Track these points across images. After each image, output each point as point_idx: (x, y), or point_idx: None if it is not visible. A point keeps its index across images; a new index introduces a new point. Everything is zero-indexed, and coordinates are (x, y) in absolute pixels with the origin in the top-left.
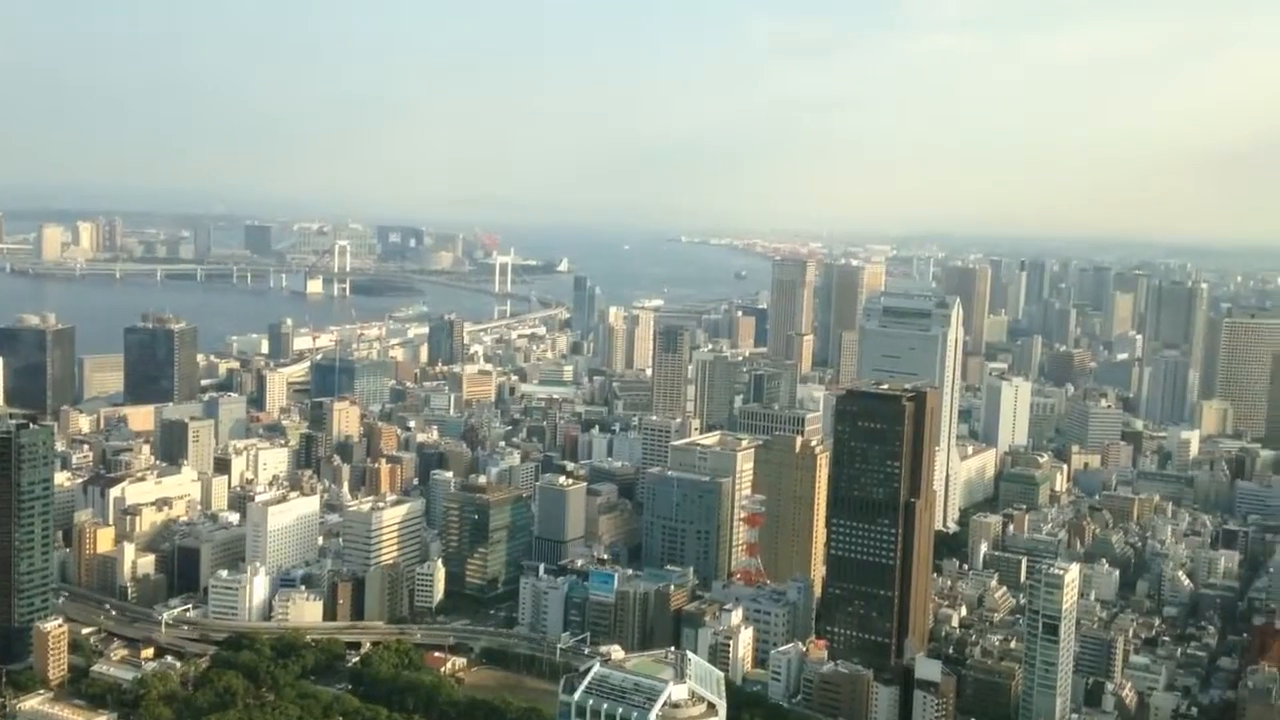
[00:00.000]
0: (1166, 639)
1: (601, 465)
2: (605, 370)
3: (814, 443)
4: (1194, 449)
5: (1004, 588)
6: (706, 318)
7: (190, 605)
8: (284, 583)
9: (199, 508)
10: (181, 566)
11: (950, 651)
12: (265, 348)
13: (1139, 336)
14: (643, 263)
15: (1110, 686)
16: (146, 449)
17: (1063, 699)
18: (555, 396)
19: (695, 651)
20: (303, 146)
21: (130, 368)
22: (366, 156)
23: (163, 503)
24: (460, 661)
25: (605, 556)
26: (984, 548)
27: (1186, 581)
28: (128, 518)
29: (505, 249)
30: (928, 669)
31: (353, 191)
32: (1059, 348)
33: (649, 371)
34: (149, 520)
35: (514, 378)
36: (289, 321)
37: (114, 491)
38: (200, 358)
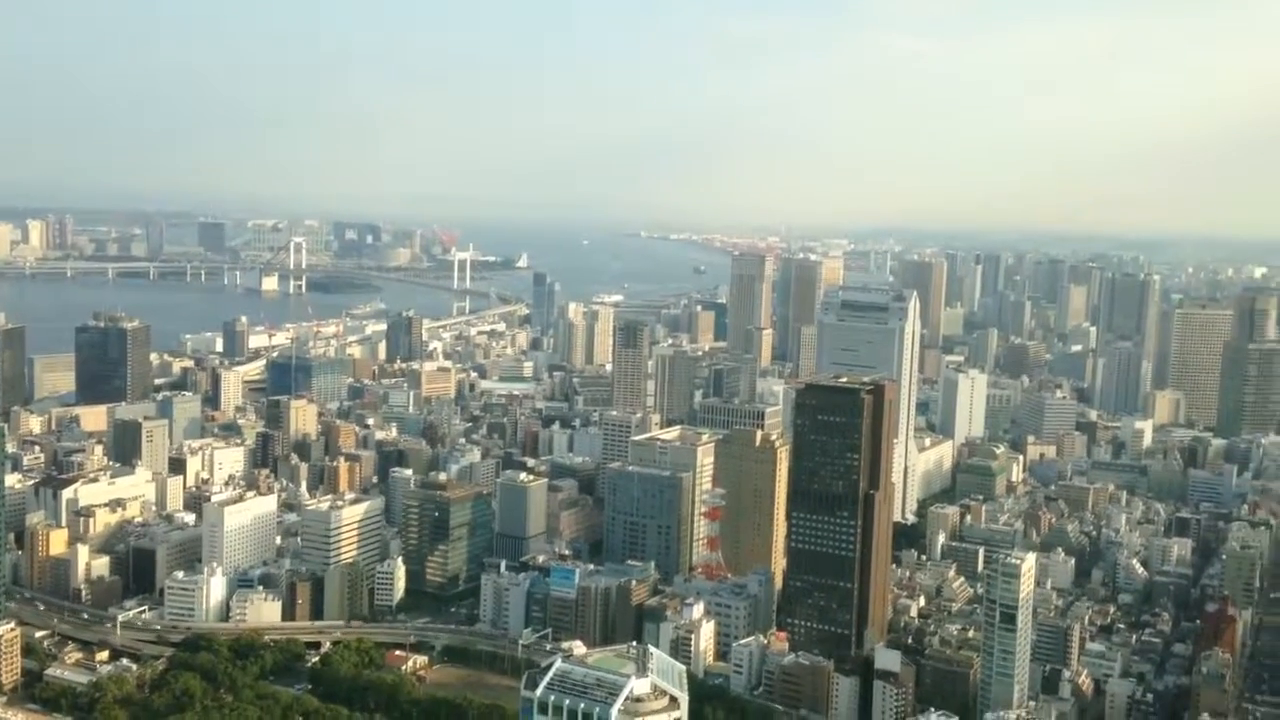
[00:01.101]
0: (1121, 626)
1: (562, 461)
2: (565, 366)
3: (774, 436)
4: (1147, 438)
5: (962, 578)
6: (666, 313)
7: (146, 607)
8: (242, 583)
9: (154, 508)
10: (136, 568)
11: (909, 641)
12: (220, 346)
13: (1092, 328)
14: (602, 258)
15: (1067, 674)
16: (99, 450)
17: (1020, 687)
18: (515, 393)
19: (657, 646)
20: (258, 143)
21: (82, 367)
22: (322, 153)
23: (116, 504)
24: (421, 660)
25: (566, 552)
26: (942, 538)
27: (1140, 569)
28: (81, 519)
29: (464, 245)
30: (887, 659)
31: (309, 188)
32: (1014, 340)
33: (609, 367)
34: (103, 522)
35: (474, 374)
36: (244, 319)
37: (66, 493)
38: (154, 357)
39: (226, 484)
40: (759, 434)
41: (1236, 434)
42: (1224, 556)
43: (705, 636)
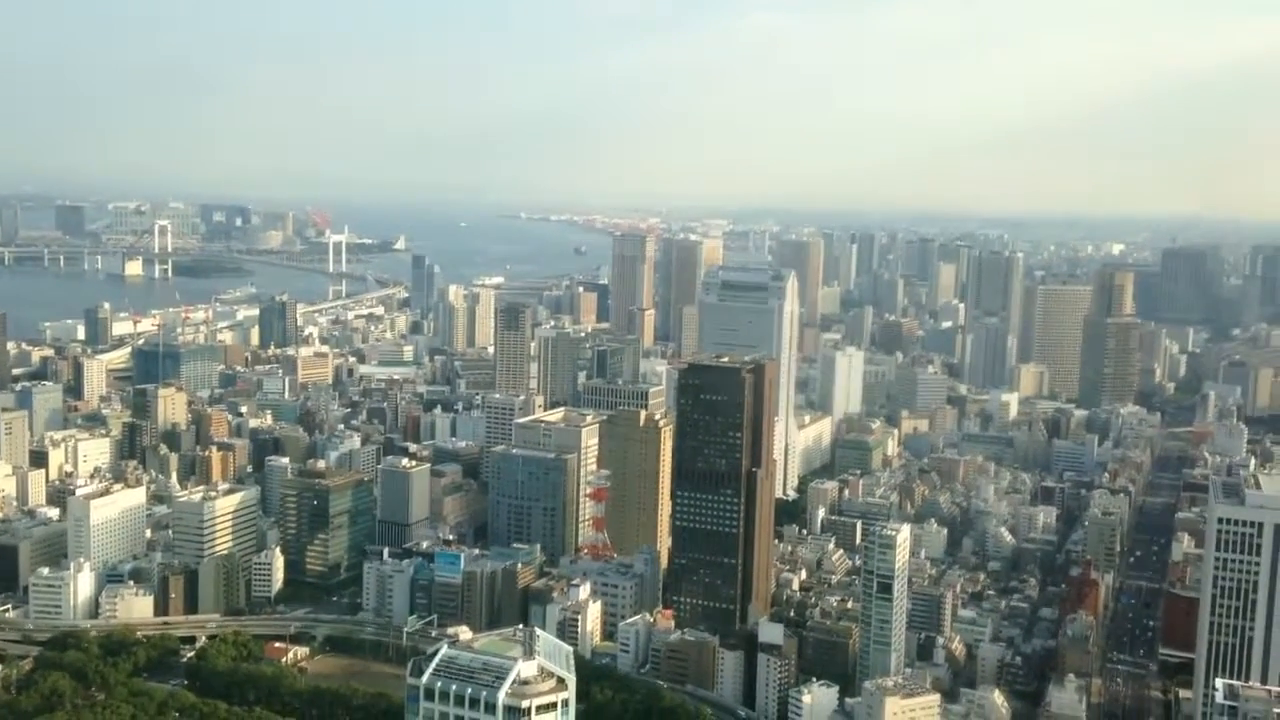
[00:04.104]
0: (991, 593)
1: (445, 445)
2: (446, 349)
3: (657, 416)
4: (1013, 411)
5: (841, 550)
6: (548, 294)
7: (9, 606)
8: (111, 578)
9: (14, 503)
10: None
11: (792, 614)
12: (82, 334)
13: (961, 305)
14: (482, 240)
15: (941, 640)
16: None
17: (897, 654)
18: (395, 377)
19: (544, 628)
20: (116, 121)
21: None
22: (186, 132)
23: None
24: (302, 651)
25: (451, 537)
26: (822, 513)
27: (1008, 537)
28: None
29: (338, 227)
30: (770, 632)
31: (172, 169)
32: (888, 317)
33: (491, 350)
34: None
35: (352, 359)
36: (107, 306)
37: None
38: (10, 346)
39: (92, 476)
40: (643, 414)
41: (1097, 405)
42: (1086, 523)
43: (592, 617)
